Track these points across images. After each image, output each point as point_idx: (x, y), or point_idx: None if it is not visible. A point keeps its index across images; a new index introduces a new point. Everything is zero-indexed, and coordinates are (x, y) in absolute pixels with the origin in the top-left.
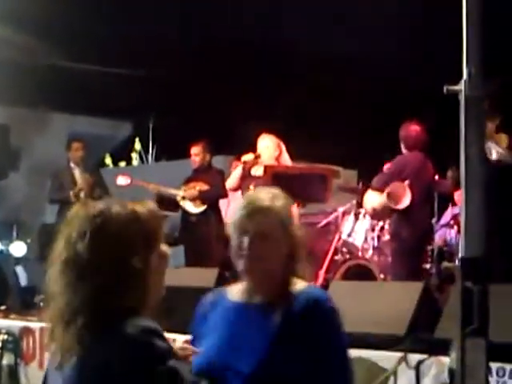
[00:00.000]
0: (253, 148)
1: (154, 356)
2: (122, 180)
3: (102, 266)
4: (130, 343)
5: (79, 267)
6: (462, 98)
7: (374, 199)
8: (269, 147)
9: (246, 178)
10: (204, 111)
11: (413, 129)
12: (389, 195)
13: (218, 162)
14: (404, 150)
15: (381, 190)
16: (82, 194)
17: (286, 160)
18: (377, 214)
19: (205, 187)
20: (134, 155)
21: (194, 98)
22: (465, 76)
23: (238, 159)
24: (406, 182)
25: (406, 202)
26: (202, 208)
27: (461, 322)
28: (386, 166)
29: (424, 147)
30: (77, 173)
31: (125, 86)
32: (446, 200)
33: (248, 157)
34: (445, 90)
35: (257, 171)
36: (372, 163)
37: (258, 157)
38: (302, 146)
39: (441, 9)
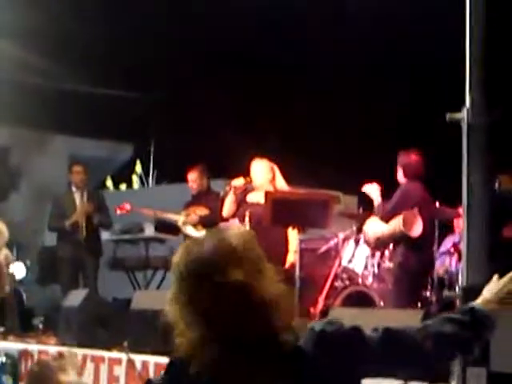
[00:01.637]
0: (248, 173)
1: None
2: (123, 210)
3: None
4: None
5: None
6: (464, 125)
7: (377, 228)
8: (261, 171)
9: (242, 204)
10: (204, 135)
11: (412, 158)
12: (404, 223)
13: (218, 185)
14: (402, 179)
15: (387, 219)
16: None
17: (281, 184)
18: (380, 244)
19: (205, 211)
20: (135, 178)
21: (194, 121)
22: (467, 104)
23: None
24: (416, 210)
25: (418, 229)
26: (203, 232)
27: None
28: (393, 197)
29: (422, 176)
30: (78, 197)
31: (126, 109)
32: (446, 227)
33: (238, 182)
34: (447, 118)
35: (254, 197)
36: None
37: (248, 182)
38: (302, 172)
39: (444, 37)
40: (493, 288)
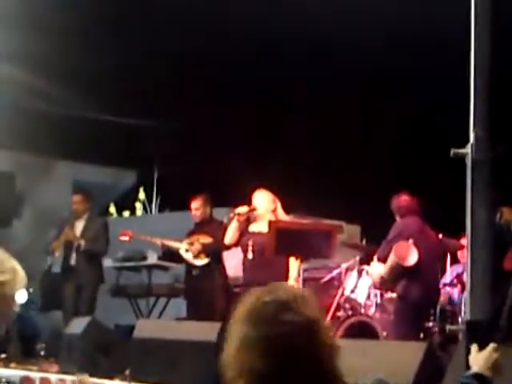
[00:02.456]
0: (250, 202)
1: None
2: (126, 235)
3: None
4: None
5: None
6: (468, 161)
7: (379, 269)
8: (264, 201)
9: (244, 233)
10: (207, 163)
11: (403, 199)
12: (396, 253)
13: (220, 213)
14: (398, 220)
15: (384, 259)
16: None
17: (282, 216)
18: (385, 282)
19: (208, 240)
20: (138, 205)
21: (197, 149)
22: (471, 139)
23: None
24: (410, 241)
25: (413, 258)
26: (206, 261)
27: None
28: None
29: (417, 212)
30: (78, 224)
31: (130, 136)
32: (450, 258)
33: (242, 209)
34: (451, 153)
35: (256, 227)
36: (375, 218)
37: (252, 210)
38: (304, 201)
39: (449, 71)
40: (480, 359)
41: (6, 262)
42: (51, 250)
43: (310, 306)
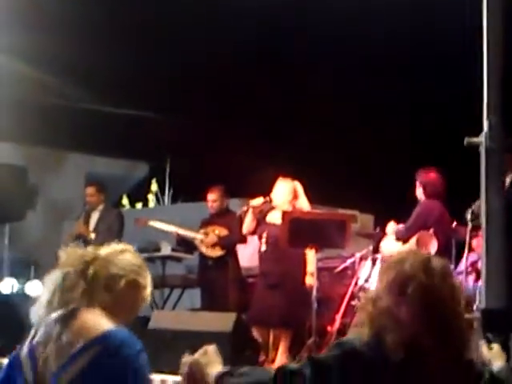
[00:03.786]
0: (268, 192)
1: None
2: (140, 223)
3: None
4: None
5: None
6: (482, 149)
7: (393, 247)
8: (283, 191)
9: (261, 223)
10: (221, 153)
11: (433, 176)
12: (418, 242)
13: (235, 204)
14: (422, 197)
15: (405, 240)
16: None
17: (303, 203)
18: None
19: (224, 232)
20: (151, 197)
21: (210, 140)
22: (485, 128)
23: None
24: (431, 231)
25: (433, 250)
26: (221, 252)
27: None
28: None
29: (442, 195)
30: (93, 217)
31: (142, 128)
32: (462, 246)
33: (257, 201)
34: (465, 142)
35: (273, 218)
36: (388, 207)
37: (267, 201)
38: (318, 190)
39: (462, 61)
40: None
41: (144, 266)
42: (64, 243)
43: None
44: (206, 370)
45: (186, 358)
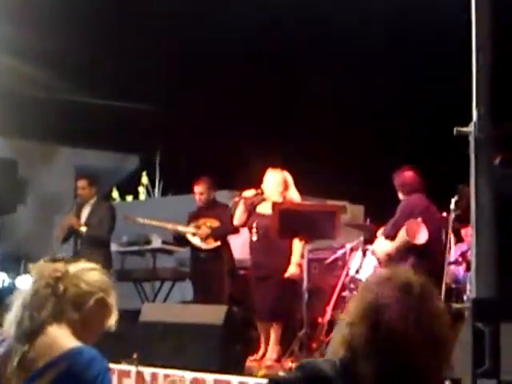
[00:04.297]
0: (258, 183)
1: None
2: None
3: None
4: None
5: None
6: (471, 139)
7: (386, 245)
8: (273, 182)
9: (252, 214)
10: (210, 146)
11: (407, 175)
12: (407, 232)
13: (223, 196)
14: (402, 197)
15: (392, 237)
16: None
17: (294, 195)
18: (391, 260)
19: (216, 223)
20: (141, 189)
21: (200, 132)
22: (474, 118)
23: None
24: (419, 219)
25: (423, 237)
26: (213, 244)
27: (472, 363)
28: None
29: (422, 189)
30: (84, 210)
31: (132, 120)
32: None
33: (248, 193)
34: (455, 132)
35: (263, 209)
36: (378, 198)
37: (259, 193)
38: (308, 181)
39: (451, 51)
40: None
41: (111, 286)
42: (56, 236)
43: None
44: None
45: None
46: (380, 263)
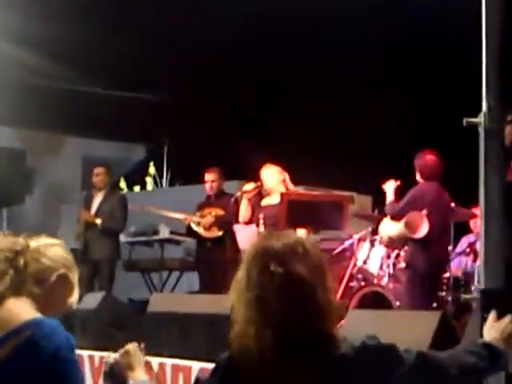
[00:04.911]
0: (258, 178)
1: None
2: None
3: None
4: None
5: None
6: (481, 130)
7: (390, 228)
8: (272, 174)
9: (256, 208)
10: (217, 136)
11: (429, 158)
12: (406, 224)
13: (233, 187)
14: (420, 179)
15: (397, 219)
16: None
17: (291, 186)
18: (393, 243)
19: (220, 213)
20: (149, 179)
21: (207, 123)
22: (484, 109)
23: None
24: (424, 212)
25: (423, 231)
26: (218, 234)
27: None
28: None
29: (440, 177)
30: (97, 199)
31: (139, 111)
32: (462, 227)
33: (249, 186)
34: (464, 123)
35: (268, 201)
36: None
37: (259, 186)
38: (315, 172)
39: (462, 40)
40: (495, 329)
41: (74, 262)
42: (75, 235)
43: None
44: (126, 371)
45: (108, 358)
46: (388, 255)
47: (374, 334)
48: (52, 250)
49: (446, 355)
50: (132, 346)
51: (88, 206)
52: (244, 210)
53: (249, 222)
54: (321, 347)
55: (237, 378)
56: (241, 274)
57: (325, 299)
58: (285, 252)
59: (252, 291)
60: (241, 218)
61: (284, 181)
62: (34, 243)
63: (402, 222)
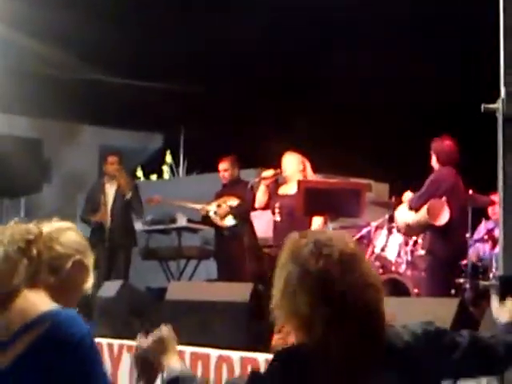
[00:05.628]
0: (278, 165)
1: None
2: (152, 202)
3: None
4: None
5: None
6: (499, 116)
7: (407, 215)
8: (292, 163)
9: (273, 196)
10: (235, 125)
11: (446, 144)
12: (428, 211)
13: (249, 175)
14: (436, 165)
15: (416, 208)
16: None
17: (311, 176)
18: (410, 230)
19: (235, 201)
20: (165, 168)
21: (224, 111)
22: (502, 95)
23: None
24: (444, 199)
25: (444, 218)
26: (233, 222)
27: None
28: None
29: (456, 163)
30: (111, 188)
31: (155, 100)
32: (480, 214)
33: (268, 173)
34: (482, 109)
35: (285, 189)
36: (403, 176)
37: (278, 173)
38: (332, 160)
39: (480, 27)
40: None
41: (88, 246)
42: (96, 220)
43: (346, 243)
44: (159, 359)
45: (140, 341)
46: (406, 243)
47: (430, 320)
48: (65, 235)
49: (490, 336)
50: (165, 330)
51: (103, 193)
52: (261, 196)
53: (265, 208)
54: (385, 335)
55: (306, 370)
56: (289, 269)
57: (376, 273)
58: (324, 239)
59: (313, 277)
60: (257, 204)
61: (304, 170)
62: (46, 229)
63: (422, 209)
